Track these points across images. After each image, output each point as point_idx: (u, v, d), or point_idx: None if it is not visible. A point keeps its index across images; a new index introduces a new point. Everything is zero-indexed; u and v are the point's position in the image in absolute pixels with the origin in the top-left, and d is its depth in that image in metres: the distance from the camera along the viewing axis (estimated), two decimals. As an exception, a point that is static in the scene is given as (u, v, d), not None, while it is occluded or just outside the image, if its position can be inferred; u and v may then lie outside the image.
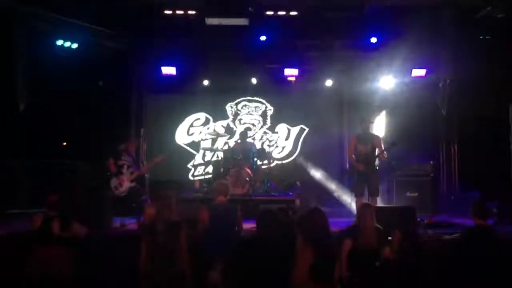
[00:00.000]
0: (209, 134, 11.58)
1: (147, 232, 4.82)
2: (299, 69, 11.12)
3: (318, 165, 11.61)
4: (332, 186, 11.08)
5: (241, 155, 10.11)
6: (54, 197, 5.71)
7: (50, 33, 9.95)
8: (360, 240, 4.99)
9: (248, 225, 6.43)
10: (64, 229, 5.46)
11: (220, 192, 6.18)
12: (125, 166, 8.31)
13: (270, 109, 12.21)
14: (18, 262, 5.57)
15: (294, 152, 12.12)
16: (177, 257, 4.68)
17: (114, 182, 8.24)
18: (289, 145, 12.15)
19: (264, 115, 12.21)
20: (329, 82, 11.48)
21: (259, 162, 10.47)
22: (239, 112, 12.23)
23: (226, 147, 11.55)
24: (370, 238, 5.01)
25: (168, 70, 11.01)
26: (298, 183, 10.59)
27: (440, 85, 10.84)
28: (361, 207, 5.54)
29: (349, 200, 8.84)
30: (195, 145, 12.03)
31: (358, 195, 8.41)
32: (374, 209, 5.73)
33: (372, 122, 8.77)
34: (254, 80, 11.60)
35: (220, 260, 5.41)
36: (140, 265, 4.75)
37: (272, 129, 12.19)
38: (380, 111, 10.85)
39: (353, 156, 8.59)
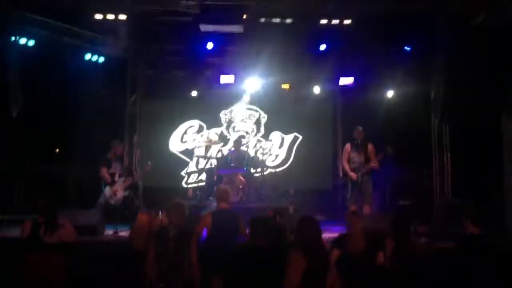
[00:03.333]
0: (203, 141, 11.56)
1: (157, 238, 4.78)
2: (293, 77, 11.16)
3: (311, 172, 11.62)
4: None
5: (235, 163, 10.12)
6: (39, 203, 5.68)
7: (43, 40, 9.93)
8: (349, 248, 4.97)
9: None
10: (50, 234, 5.43)
11: (221, 198, 6.14)
12: (117, 175, 8.33)
13: (264, 117, 12.21)
14: (10, 269, 5.54)
15: (288, 160, 12.11)
16: (186, 266, 4.66)
17: (108, 191, 8.23)
18: (282, 153, 12.15)
19: (258, 122, 12.21)
20: (320, 90, 11.48)
21: (252, 170, 10.47)
22: (232, 119, 12.23)
23: (219, 154, 11.54)
24: (359, 245, 5.00)
25: (163, 76, 11.05)
26: (291, 191, 10.59)
27: (433, 93, 10.88)
28: (349, 215, 5.51)
29: None
30: (189, 153, 12.00)
31: (352, 203, 8.43)
32: (364, 217, 5.74)
33: (365, 131, 8.79)
34: (247, 88, 11.62)
35: (221, 268, 5.34)
36: (146, 272, 4.70)
37: (265, 137, 12.19)
38: (374, 119, 10.87)
39: (346, 164, 8.62)
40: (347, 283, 4.83)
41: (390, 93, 11.22)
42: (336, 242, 5.26)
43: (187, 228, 4.89)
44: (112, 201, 8.19)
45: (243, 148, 11.09)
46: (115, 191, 8.22)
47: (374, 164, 8.46)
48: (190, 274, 4.68)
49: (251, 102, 12.16)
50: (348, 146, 8.80)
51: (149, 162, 8.93)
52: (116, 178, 8.31)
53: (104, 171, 8.29)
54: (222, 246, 5.57)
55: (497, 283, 5.13)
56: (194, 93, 11.76)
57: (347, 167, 8.66)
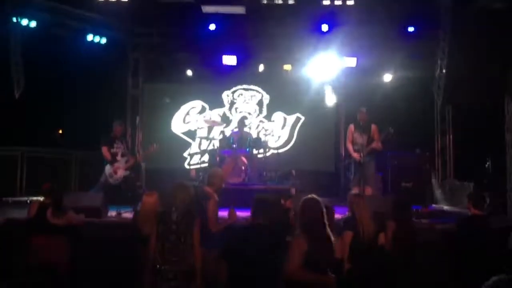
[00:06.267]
0: (205, 122, 11.55)
1: (160, 221, 4.70)
2: (295, 58, 11.12)
3: (314, 153, 11.64)
4: None
5: (237, 144, 10.13)
6: (47, 185, 5.71)
7: (45, 21, 9.89)
8: (360, 231, 4.98)
9: (244, 214, 6.46)
10: (58, 217, 5.47)
11: (207, 183, 5.98)
12: (119, 154, 8.32)
13: (266, 98, 12.18)
14: (15, 249, 5.59)
15: (290, 141, 12.12)
16: (189, 251, 4.58)
17: (108, 169, 8.24)
18: (285, 134, 12.14)
19: (260, 103, 12.19)
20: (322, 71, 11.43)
21: (255, 151, 10.49)
22: (235, 100, 12.20)
23: (222, 135, 11.54)
24: (369, 228, 5.02)
25: (165, 58, 11.04)
26: (293, 172, 10.61)
27: (436, 75, 10.85)
28: (353, 198, 5.49)
29: None
30: (191, 134, 12.02)
31: (354, 184, 8.45)
32: (367, 199, 5.76)
33: (368, 112, 8.77)
34: (250, 69, 11.58)
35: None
36: (148, 256, 4.62)
37: (268, 117, 12.18)
38: (376, 101, 10.85)
39: (350, 145, 8.63)
40: (357, 265, 4.88)
41: (393, 75, 11.16)
42: (346, 224, 5.27)
43: (191, 211, 4.80)
44: (111, 180, 8.19)
45: (245, 129, 11.10)
46: (116, 170, 8.22)
47: (376, 145, 8.45)
48: (192, 261, 4.58)
49: (253, 83, 12.15)
50: (351, 126, 8.79)
51: (154, 144, 8.91)
52: (118, 157, 8.31)
53: (105, 150, 8.28)
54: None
55: (497, 263, 5.16)
56: (189, 73, 11.75)
57: (351, 148, 8.66)
